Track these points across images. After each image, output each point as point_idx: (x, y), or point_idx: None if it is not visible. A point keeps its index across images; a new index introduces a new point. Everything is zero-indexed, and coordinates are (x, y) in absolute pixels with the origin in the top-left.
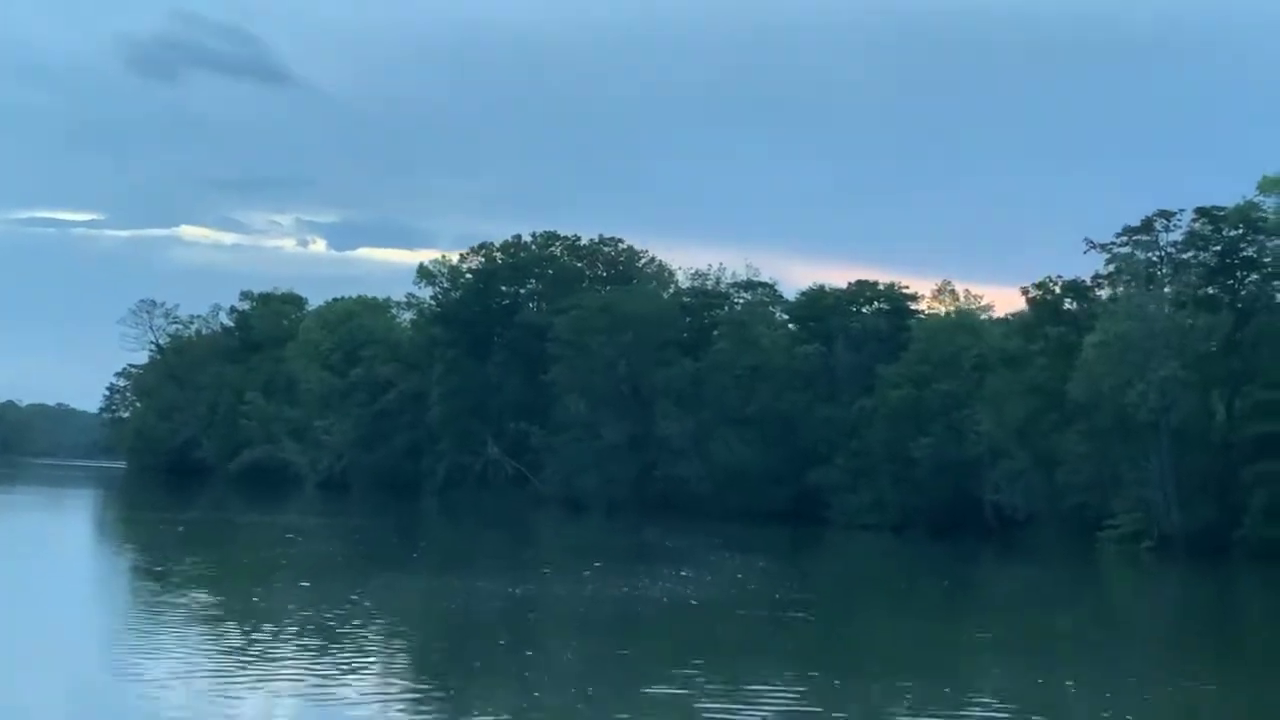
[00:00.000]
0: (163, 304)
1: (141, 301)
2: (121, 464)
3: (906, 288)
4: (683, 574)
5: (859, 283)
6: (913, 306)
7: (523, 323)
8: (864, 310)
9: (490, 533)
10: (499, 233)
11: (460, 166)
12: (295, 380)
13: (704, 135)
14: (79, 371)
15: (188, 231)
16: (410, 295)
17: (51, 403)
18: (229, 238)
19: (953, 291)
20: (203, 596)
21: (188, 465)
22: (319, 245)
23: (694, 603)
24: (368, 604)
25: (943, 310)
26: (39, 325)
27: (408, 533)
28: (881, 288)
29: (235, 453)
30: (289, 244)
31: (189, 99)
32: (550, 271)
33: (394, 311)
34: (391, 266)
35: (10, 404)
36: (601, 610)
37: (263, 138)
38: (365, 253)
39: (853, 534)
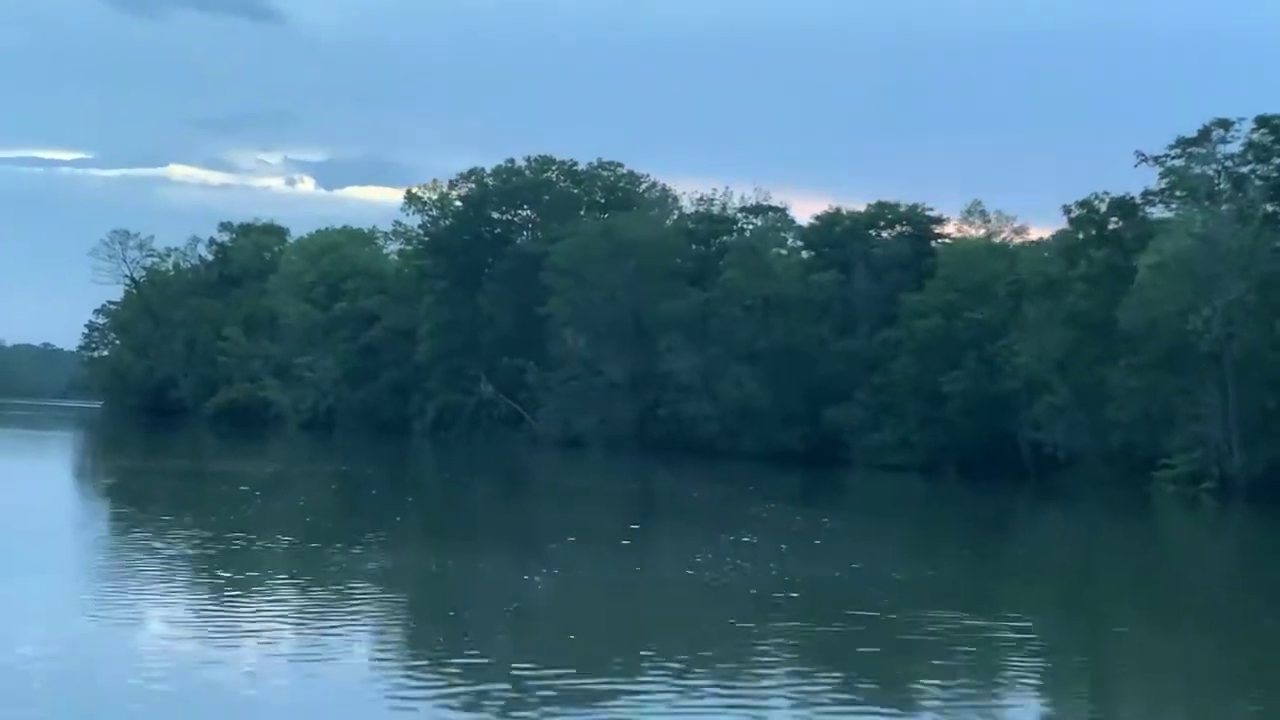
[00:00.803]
0: (136, 235)
1: (114, 232)
2: (97, 404)
3: (930, 210)
4: (746, 540)
5: (878, 205)
6: (937, 230)
7: (516, 253)
8: (883, 235)
9: (487, 479)
10: (482, 162)
11: (449, 104)
12: (276, 315)
13: (701, 66)
14: (65, 311)
15: (176, 171)
16: (397, 224)
17: (37, 343)
18: (217, 177)
19: (983, 213)
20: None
21: (165, 405)
22: (307, 184)
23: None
24: (314, 627)
25: (972, 233)
26: (25, 265)
27: (395, 483)
28: (903, 210)
29: (214, 392)
30: (277, 183)
31: (176, 36)
32: (545, 198)
33: (380, 242)
34: (379, 206)
35: None
36: (705, 625)
37: (250, 76)
38: (353, 191)
39: (877, 475)
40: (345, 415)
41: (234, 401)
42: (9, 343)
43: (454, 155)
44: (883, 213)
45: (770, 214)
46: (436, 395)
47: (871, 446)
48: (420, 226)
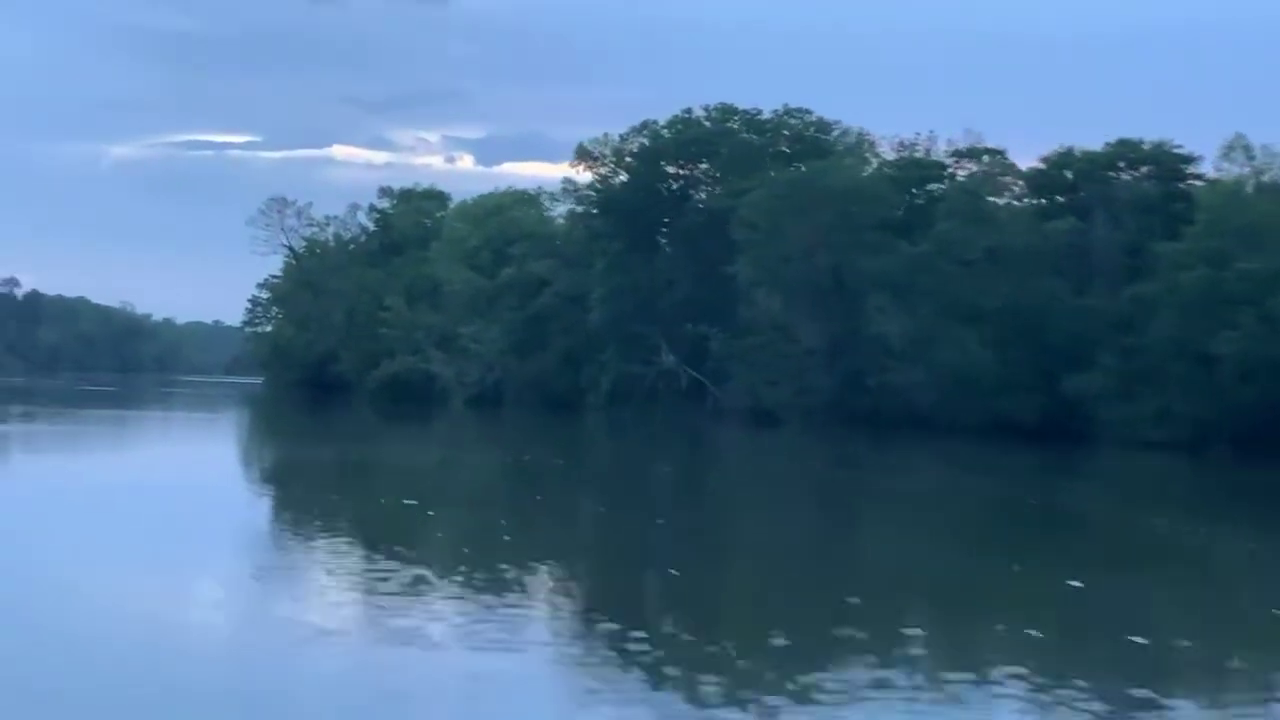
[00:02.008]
0: (294, 202)
1: (271, 200)
2: (258, 380)
3: (1179, 147)
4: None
5: (1119, 143)
6: (1189, 170)
7: (697, 209)
8: (1123, 177)
9: (698, 472)
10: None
11: (606, 78)
12: (439, 284)
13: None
14: (235, 289)
15: (339, 151)
16: (567, 181)
17: (208, 320)
18: (380, 156)
19: (1246, 148)
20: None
21: (326, 380)
22: (466, 161)
23: None
24: None
25: (1234, 172)
26: (196, 245)
27: (591, 481)
28: (1147, 148)
29: (374, 366)
30: (437, 161)
31: (340, 19)
32: (726, 150)
33: (545, 204)
34: (537, 181)
35: (168, 322)
36: None
37: (410, 56)
38: (511, 167)
39: (1131, 454)
40: (513, 388)
41: (396, 375)
42: (180, 320)
43: (612, 128)
44: (1123, 151)
45: (986, 157)
46: (611, 366)
47: (1122, 419)
48: (589, 186)
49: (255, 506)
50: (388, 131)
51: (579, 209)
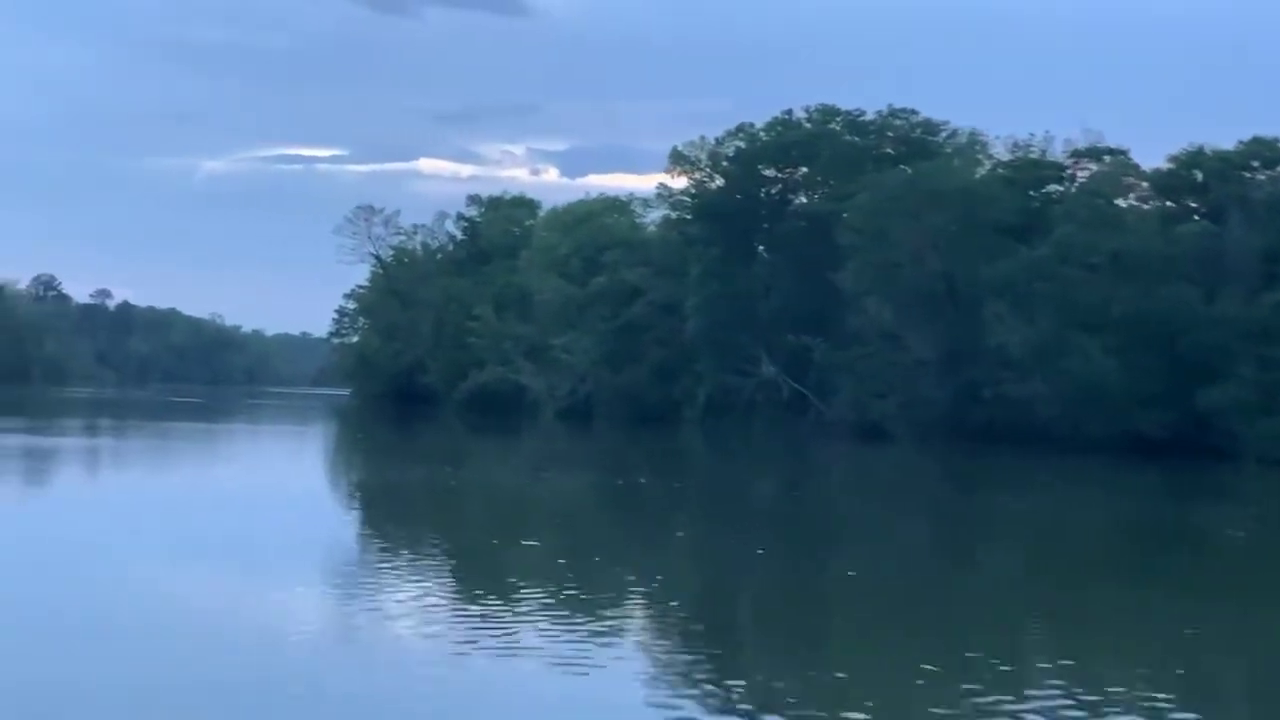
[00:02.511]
0: (381, 210)
1: (358, 208)
2: (344, 391)
3: None
4: None
5: (1253, 141)
6: None
7: (798, 213)
8: (1259, 177)
9: (833, 497)
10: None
11: (690, 89)
12: (529, 293)
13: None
14: (322, 301)
15: (425, 164)
16: (661, 186)
17: (295, 332)
18: (465, 169)
19: None
20: None
21: (413, 391)
22: (551, 174)
23: None
24: None
25: None
26: (285, 258)
27: (715, 506)
28: None
29: (462, 377)
30: (522, 173)
31: (426, 33)
32: (828, 152)
33: (637, 210)
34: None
35: (257, 334)
36: None
37: (495, 70)
38: (595, 179)
39: (1272, 471)
40: (605, 401)
41: (485, 387)
42: (269, 332)
43: (686, 139)
44: (1258, 150)
45: (1108, 157)
46: (707, 378)
47: (1261, 435)
48: (683, 192)
49: (343, 548)
50: (473, 144)
51: (673, 215)
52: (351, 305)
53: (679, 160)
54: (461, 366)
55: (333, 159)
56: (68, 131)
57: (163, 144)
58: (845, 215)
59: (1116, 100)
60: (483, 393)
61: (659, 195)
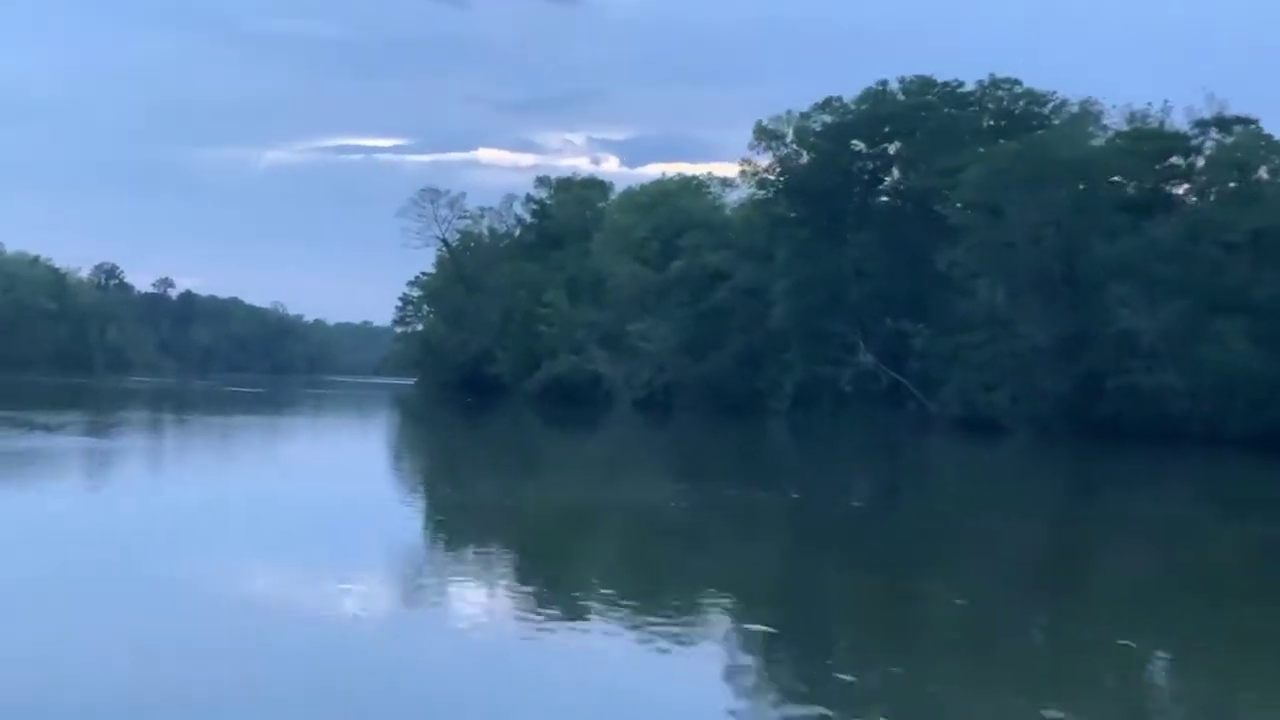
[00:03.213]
0: (447, 192)
1: (423, 190)
2: (408, 380)
3: None
4: None
5: None
6: None
7: (896, 190)
8: None
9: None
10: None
11: (750, 76)
12: (603, 278)
13: None
14: (385, 290)
15: (485, 154)
16: (745, 162)
17: (357, 321)
18: (525, 159)
19: None
20: None
21: (481, 381)
22: (611, 163)
23: None
24: None
25: None
26: (347, 247)
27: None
28: None
29: (533, 366)
30: (582, 162)
31: (484, 23)
32: (927, 126)
33: (717, 192)
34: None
35: (319, 323)
36: None
37: (554, 59)
38: (656, 168)
39: None
40: (685, 391)
41: (559, 377)
42: (331, 321)
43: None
44: None
45: (1238, 127)
46: (796, 367)
47: None
48: (768, 170)
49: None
50: (533, 134)
51: (758, 194)
52: (415, 293)
53: (764, 135)
54: (532, 355)
55: (394, 149)
56: (133, 121)
57: (226, 134)
58: (951, 191)
59: (1236, 68)
60: (557, 383)
61: (742, 173)
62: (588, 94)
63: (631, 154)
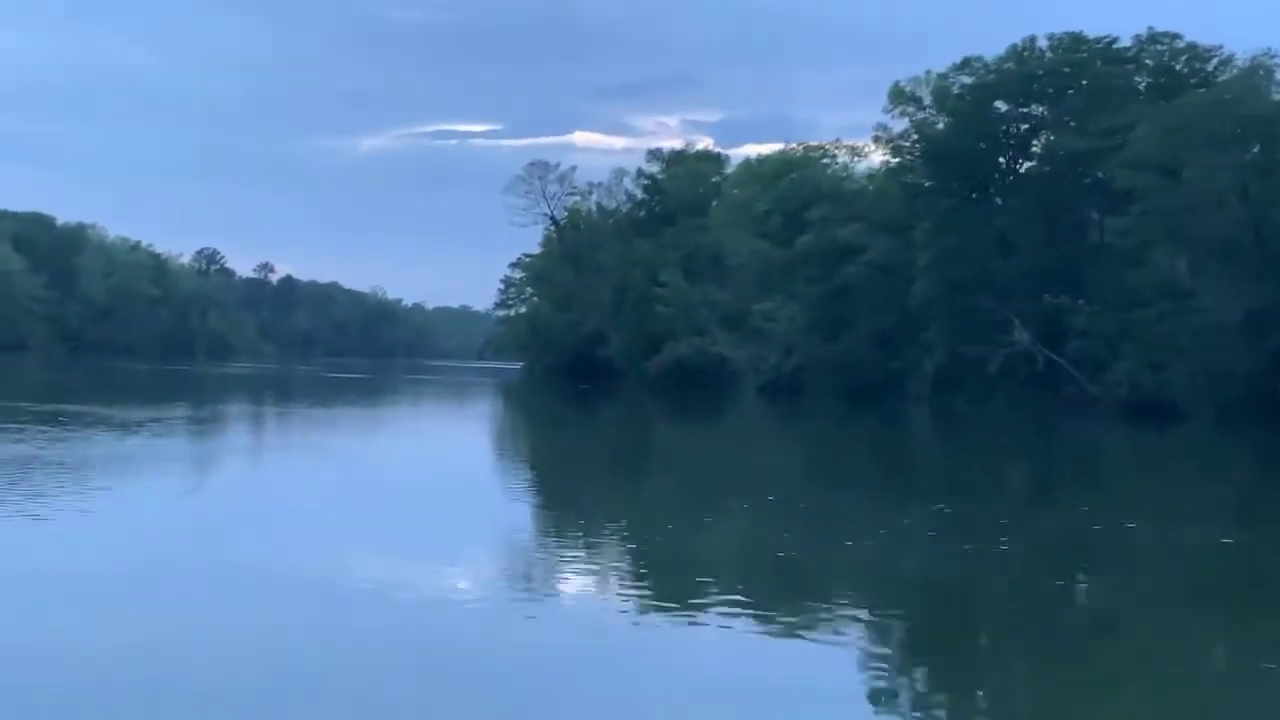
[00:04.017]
0: (556, 166)
1: (530, 164)
2: (516, 365)
3: None
4: None
5: None
6: None
7: (1045, 155)
8: None
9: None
10: (883, 120)
11: (844, 56)
12: (722, 255)
13: None
14: (480, 274)
15: (580, 138)
16: (879, 128)
17: (455, 305)
18: (620, 142)
19: None
20: None
21: (591, 365)
22: (705, 144)
23: None
24: None
25: None
26: (444, 232)
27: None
28: None
29: (649, 348)
30: (676, 144)
31: (579, 6)
32: (1080, 84)
33: (843, 162)
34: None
35: (419, 307)
36: None
37: (648, 41)
38: (750, 149)
39: None
40: (815, 375)
41: (680, 360)
42: (430, 306)
43: (850, 108)
44: None
45: None
46: (938, 347)
47: None
48: (902, 136)
49: None
50: (627, 117)
51: (893, 161)
52: (517, 275)
53: (900, 99)
54: (647, 337)
55: (488, 133)
56: (232, 109)
57: (323, 123)
58: (1113, 154)
59: None
60: (678, 366)
61: (875, 139)
62: (682, 76)
63: (726, 135)
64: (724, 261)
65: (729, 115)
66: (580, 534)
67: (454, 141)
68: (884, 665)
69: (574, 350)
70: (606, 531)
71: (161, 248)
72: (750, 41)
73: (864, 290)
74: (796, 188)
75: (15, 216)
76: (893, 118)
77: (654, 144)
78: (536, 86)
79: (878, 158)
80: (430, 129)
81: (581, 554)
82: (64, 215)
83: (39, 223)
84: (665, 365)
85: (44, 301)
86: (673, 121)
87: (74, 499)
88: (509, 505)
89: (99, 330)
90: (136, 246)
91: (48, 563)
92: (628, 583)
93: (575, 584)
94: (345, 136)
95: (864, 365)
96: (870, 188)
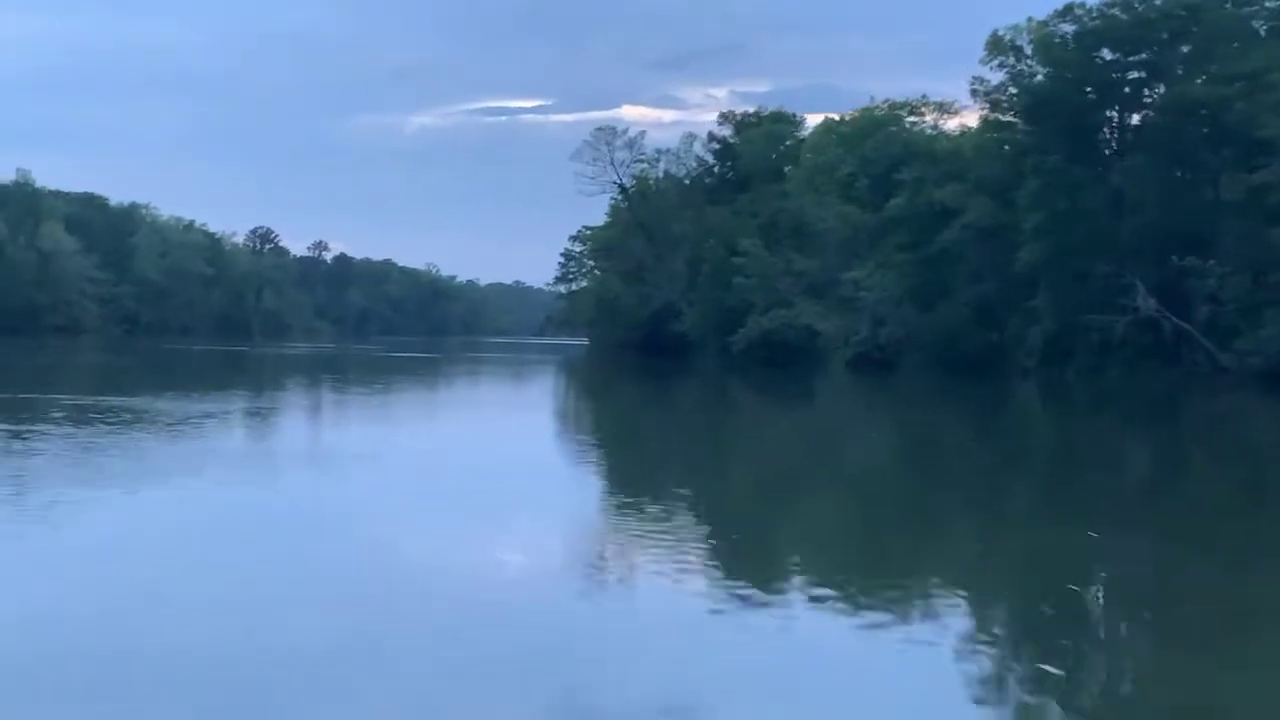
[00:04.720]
0: (624, 131)
1: (598, 130)
2: (581, 340)
3: None
4: None
5: None
6: None
7: (1168, 104)
8: None
9: None
10: (936, 89)
11: (893, 24)
12: (804, 221)
13: None
14: (532, 251)
15: (629, 112)
16: (976, 80)
17: (508, 281)
18: (668, 114)
19: None
20: None
21: (664, 340)
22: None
23: None
24: None
25: None
26: (495, 208)
27: None
28: None
29: (726, 322)
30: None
31: None
32: (1201, 27)
33: (929, 119)
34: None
35: (471, 284)
36: None
37: (696, 13)
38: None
39: None
40: (911, 347)
41: (767, 334)
42: (483, 282)
43: (900, 77)
44: None
45: None
46: (1048, 316)
47: None
48: (999, 88)
49: None
50: (675, 89)
51: (991, 117)
52: (577, 248)
53: (997, 49)
54: (724, 310)
55: (537, 109)
56: (283, 90)
57: (372, 101)
58: (1254, 99)
59: None
60: (765, 340)
61: (973, 93)
62: (729, 47)
63: (775, 106)
64: (804, 228)
65: (778, 86)
66: (682, 522)
67: (504, 118)
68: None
69: (645, 325)
70: (705, 520)
71: (214, 228)
72: (799, 8)
73: (962, 256)
74: (884, 147)
75: (67, 197)
76: (990, 69)
77: (702, 117)
78: (583, 60)
79: (969, 116)
80: (479, 105)
81: (675, 538)
82: (115, 198)
83: (92, 203)
84: (750, 339)
85: (98, 283)
86: (721, 93)
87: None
88: (600, 487)
89: (155, 312)
90: (190, 226)
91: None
92: (717, 570)
93: (665, 568)
94: (394, 114)
95: (963, 336)
96: (967, 146)
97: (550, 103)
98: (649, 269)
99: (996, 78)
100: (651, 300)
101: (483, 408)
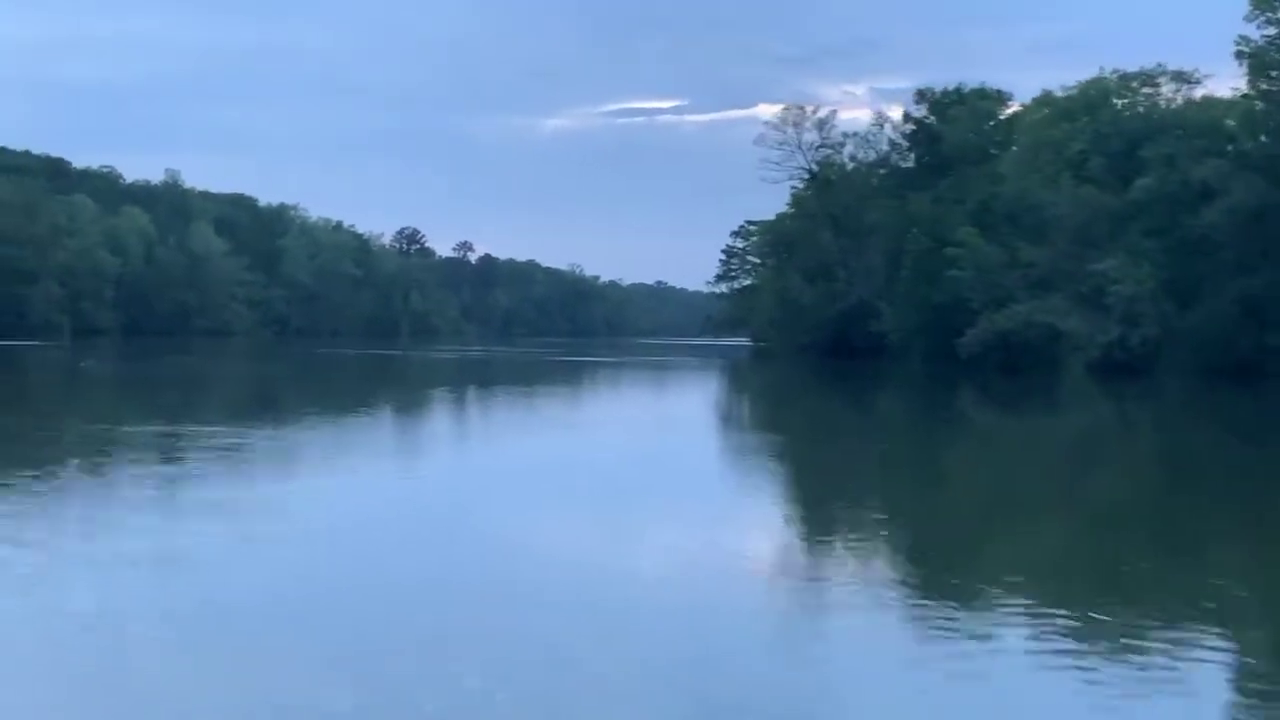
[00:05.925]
0: (814, 111)
1: (786, 108)
2: (743, 342)
3: None
4: None
5: None
6: None
7: None
8: None
9: None
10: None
11: (1036, 15)
12: (1026, 206)
13: None
14: (674, 251)
15: (765, 110)
16: (1241, 40)
17: (650, 281)
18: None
19: None
20: None
21: (855, 342)
22: (895, 113)
23: None
24: None
25: None
26: (634, 210)
27: None
28: None
29: (934, 321)
30: (864, 114)
31: None
32: None
33: (1164, 90)
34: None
35: (614, 284)
36: None
37: (831, 9)
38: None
39: None
40: (1170, 350)
41: (1005, 335)
42: (626, 282)
43: (1043, 69)
44: None
45: None
46: None
47: None
48: (1272, 44)
49: None
50: (812, 87)
51: (1261, 85)
52: (739, 244)
53: (1264, 3)
54: (933, 309)
55: (673, 109)
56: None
57: (507, 103)
58: None
59: None
60: (1003, 343)
61: (1238, 55)
62: (867, 43)
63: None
64: (1028, 214)
65: (918, 82)
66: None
67: (640, 119)
68: None
69: (831, 325)
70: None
71: (362, 229)
72: (935, 4)
73: (1228, 243)
74: (1120, 122)
75: (216, 198)
76: (1257, 26)
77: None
78: (718, 60)
79: (1217, 85)
80: (615, 107)
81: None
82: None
83: (241, 204)
84: (983, 341)
85: (248, 285)
86: (859, 90)
87: None
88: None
89: (304, 314)
90: (339, 227)
91: None
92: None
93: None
94: (529, 118)
95: (1230, 338)
96: (1229, 116)
97: (685, 103)
98: (837, 264)
99: (1264, 34)
100: (840, 298)
101: (698, 430)
